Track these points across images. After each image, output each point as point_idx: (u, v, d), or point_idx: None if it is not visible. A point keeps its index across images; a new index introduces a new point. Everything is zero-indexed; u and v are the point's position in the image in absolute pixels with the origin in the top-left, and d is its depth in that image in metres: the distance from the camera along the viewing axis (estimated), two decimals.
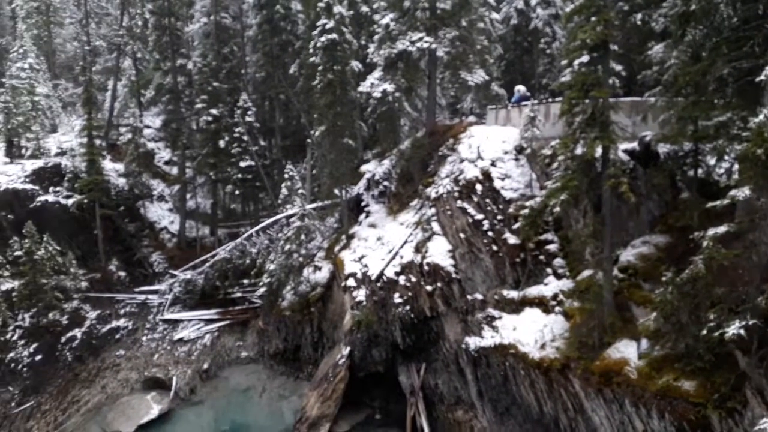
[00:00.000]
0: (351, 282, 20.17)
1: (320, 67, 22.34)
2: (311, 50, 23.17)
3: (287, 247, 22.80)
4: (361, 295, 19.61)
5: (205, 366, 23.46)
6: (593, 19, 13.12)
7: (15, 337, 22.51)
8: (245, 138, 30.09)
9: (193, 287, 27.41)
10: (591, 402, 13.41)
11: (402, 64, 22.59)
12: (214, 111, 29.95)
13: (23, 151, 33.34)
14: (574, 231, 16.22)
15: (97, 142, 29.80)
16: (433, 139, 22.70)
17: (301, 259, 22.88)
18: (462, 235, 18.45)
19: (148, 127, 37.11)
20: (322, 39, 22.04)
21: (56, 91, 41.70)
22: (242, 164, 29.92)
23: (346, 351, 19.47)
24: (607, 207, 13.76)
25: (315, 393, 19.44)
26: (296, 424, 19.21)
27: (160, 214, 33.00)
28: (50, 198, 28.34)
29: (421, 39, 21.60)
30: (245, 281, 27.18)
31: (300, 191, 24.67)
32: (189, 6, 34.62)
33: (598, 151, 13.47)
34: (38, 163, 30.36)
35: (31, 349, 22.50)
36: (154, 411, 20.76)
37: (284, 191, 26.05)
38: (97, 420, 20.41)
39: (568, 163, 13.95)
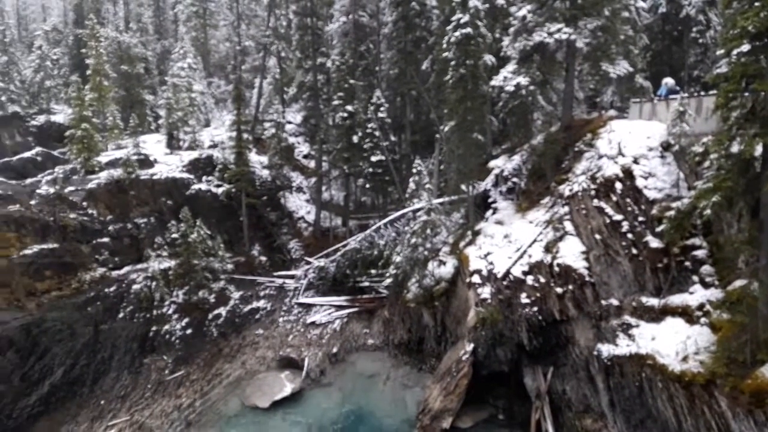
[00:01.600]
0: (476, 279, 20.00)
1: (453, 62, 22.30)
2: (444, 45, 23.19)
3: (413, 240, 23.12)
4: (486, 292, 19.39)
5: (335, 350, 24.53)
6: (757, 4, 11.85)
7: (170, 312, 25.02)
8: (377, 133, 30.90)
9: (326, 274, 28.72)
10: (739, 423, 12.24)
11: (538, 56, 21.89)
12: (349, 107, 31.06)
13: (181, 143, 36.89)
14: (726, 236, 14.83)
15: (245, 135, 32.11)
16: (569, 134, 21.77)
17: (426, 252, 23.09)
18: (597, 236, 17.57)
19: (290, 122, 39.39)
20: (456, 34, 21.98)
21: (210, 88, 45.60)
22: (373, 159, 30.76)
23: (469, 348, 19.39)
24: (766, 211, 12.42)
25: (438, 386, 19.59)
26: (419, 415, 19.49)
27: (298, 205, 34.96)
28: (203, 186, 31.14)
29: (559, 30, 20.77)
30: (373, 271, 27.98)
31: (427, 186, 24.84)
32: (329, 6, 36.15)
33: (758, 150, 12.18)
34: (194, 155, 33.51)
35: (183, 323, 24.83)
36: (287, 389, 22.08)
37: (412, 186, 26.35)
38: (237, 393, 22.13)
39: (722, 162, 12.76)
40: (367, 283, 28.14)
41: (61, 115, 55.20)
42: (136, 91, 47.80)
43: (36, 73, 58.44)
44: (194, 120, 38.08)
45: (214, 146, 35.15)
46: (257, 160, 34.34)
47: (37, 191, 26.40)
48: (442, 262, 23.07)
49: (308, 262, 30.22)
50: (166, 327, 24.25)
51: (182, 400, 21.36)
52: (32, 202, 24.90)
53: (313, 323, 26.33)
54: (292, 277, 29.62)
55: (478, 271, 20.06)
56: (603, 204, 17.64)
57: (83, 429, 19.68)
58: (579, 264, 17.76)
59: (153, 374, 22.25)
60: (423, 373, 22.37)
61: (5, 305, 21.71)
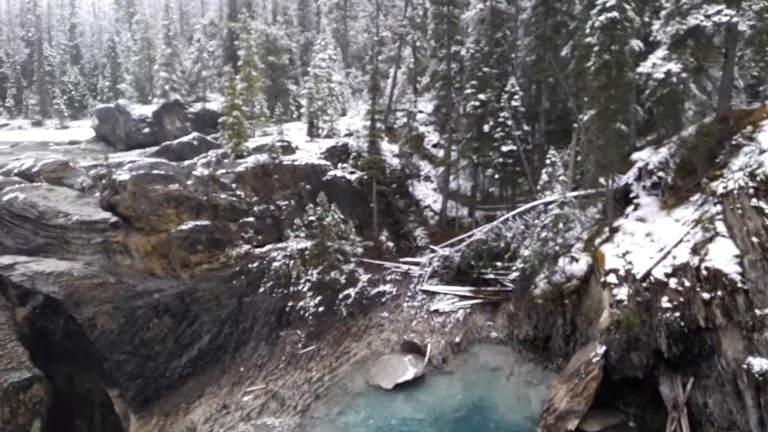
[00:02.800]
0: (611, 278, 19.01)
1: (596, 48, 21.20)
2: (587, 30, 22.10)
3: (543, 234, 22.44)
4: (622, 293, 18.37)
5: (457, 339, 24.60)
6: None
7: (305, 289, 26.52)
8: (509, 122, 30.23)
9: (450, 263, 28.78)
10: None
11: (692, 41, 20.15)
12: (481, 96, 30.66)
13: (320, 131, 38.70)
14: None
15: (378, 125, 32.96)
16: (725, 126, 19.85)
17: (557, 248, 22.31)
18: (754, 239, 15.93)
19: (421, 111, 39.75)
20: (601, 18, 20.84)
21: (348, 78, 47.22)
22: (504, 149, 30.15)
23: (601, 350, 18.53)
24: None
25: (564, 386, 18.98)
26: (543, 414, 19.04)
27: (426, 193, 35.30)
28: (338, 173, 32.51)
29: (719, 12, 18.94)
30: (498, 264, 27.57)
31: (561, 178, 23.95)
32: None
33: None
34: (331, 143, 35.07)
35: (316, 301, 26.21)
36: (410, 373, 22.57)
37: (544, 177, 25.48)
38: (362, 372, 23.02)
39: None
40: (491, 276, 27.79)
41: (215, 103, 60.18)
42: (281, 81, 50.75)
43: (194, 64, 64.10)
44: (332, 109, 39.73)
45: (349, 135, 36.48)
46: (388, 148, 35.11)
47: (193, 173, 29.05)
48: (574, 259, 22.19)
49: (433, 251, 30.47)
50: (301, 303, 25.74)
51: (312, 374, 22.65)
52: (189, 183, 27.44)
53: (436, 311, 26.56)
54: (417, 264, 30.04)
55: (615, 271, 19.06)
56: (763, 204, 15.94)
57: (224, 392, 21.55)
58: (731, 268, 16.23)
59: (287, 347, 23.78)
60: (548, 372, 21.76)
61: (164, 274, 24.27)
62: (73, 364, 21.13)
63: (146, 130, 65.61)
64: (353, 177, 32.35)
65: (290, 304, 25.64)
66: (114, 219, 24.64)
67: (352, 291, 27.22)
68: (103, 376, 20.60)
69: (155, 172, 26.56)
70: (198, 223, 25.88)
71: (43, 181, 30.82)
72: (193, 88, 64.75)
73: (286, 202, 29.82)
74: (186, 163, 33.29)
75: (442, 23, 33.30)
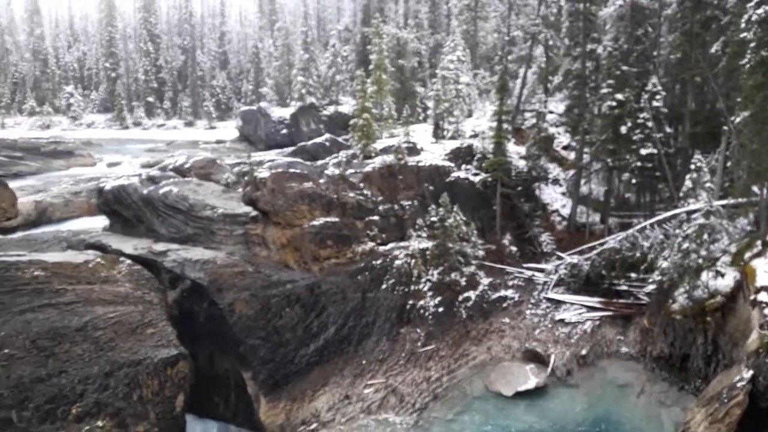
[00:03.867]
0: (763, 296, 17.21)
1: (752, 44, 19.32)
2: (742, 25, 20.18)
3: (685, 245, 20.81)
4: None
5: (584, 352, 23.59)
6: None
7: (425, 289, 26.79)
8: (649, 124, 28.37)
9: (578, 272, 27.62)
10: None
11: None
12: (619, 96, 29.03)
13: (445, 132, 38.85)
14: None
15: (505, 126, 32.42)
16: None
17: (700, 260, 20.58)
18: None
19: (551, 112, 38.50)
20: (759, 11, 18.95)
21: (475, 79, 46.91)
22: (643, 152, 28.32)
23: (747, 374, 16.84)
24: None
25: (702, 411, 17.49)
26: None
27: (553, 197, 34.14)
28: (461, 174, 32.44)
29: None
30: (632, 275, 26.04)
31: (707, 185, 22.07)
32: None
33: None
34: (455, 144, 35.07)
35: (436, 301, 26.37)
36: (531, 382, 22.01)
37: (688, 183, 23.64)
38: (482, 376, 22.83)
39: None
40: (624, 287, 26.30)
41: (347, 105, 62.43)
42: (409, 84, 51.54)
43: (329, 69, 66.97)
44: (458, 111, 39.71)
45: (474, 136, 36.25)
46: (515, 150, 34.41)
47: (325, 172, 30.40)
48: (719, 273, 20.36)
49: (560, 258, 29.40)
50: (421, 302, 26.05)
51: (431, 373, 22.85)
52: (321, 181, 28.78)
53: (561, 321, 25.64)
54: (542, 270, 29.16)
55: (767, 288, 17.25)
56: None
57: (347, 383, 22.40)
58: None
59: (407, 344, 24.19)
60: (684, 394, 20.20)
61: (296, 267, 25.70)
62: (214, 345, 23.03)
63: (284, 131, 69.83)
64: (477, 179, 32.11)
65: (411, 302, 26.03)
66: (254, 213, 26.48)
67: (472, 294, 27.05)
68: (238, 358, 22.26)
69: (292, 170, 28.18)
70: (328, 219, 27.08)
71: (194, 177, 33.83)
72: (327, 92, 67.65)
73: (410, 202, 30.29)
74: (319, 162, 34.92)
75: (577, 20, 32.03)
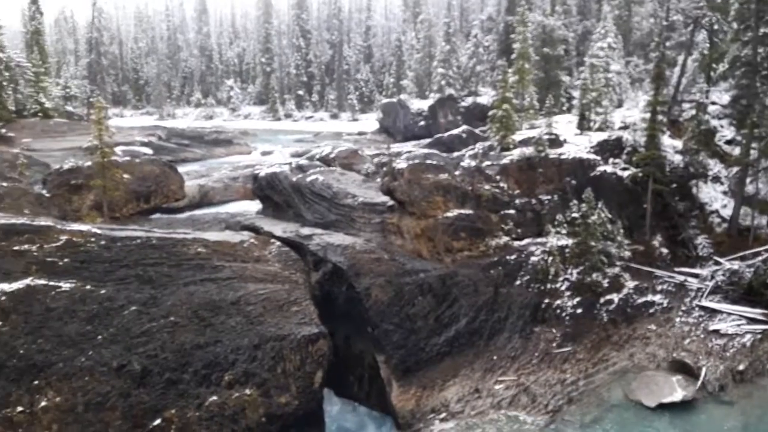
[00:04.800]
0: None
1: None
2: None
3: None
4: None
5: (741, 367, 21.41)
6: None
7: (563, 288, 25.81)
8: None
9: (739, 279, 25.09)
10: None
11: None
12: None
13: (591, 124, 36.95)
14: None
15: (660, 117, 30.11)
16: None
17: None
18: None
19: (714, 103, 35.06)
20: None
21: (627, 67, 44.01)
22: None
23: None
24: None
25: None
26: None
27: (713, 196, 31.14)
28: (608, 169, 30.65)
29: None
30: None
31: None
32: None
33: None
34: (602, 136, 33.20)
35: (574, 302, 25.31)
36: (678, 395, 20.42)
37: None
38: (621, 384, 21.59)
39: None
40: None
41: (486, 97, 61.62)
42: (554, 73, 49.74)
43: (470, 60, 66.51)
44: (607, 101, 37.59)
45: (624, 128, 34.08)
46: (670, 144, 31.81)
47: (461, 164, 30.35)
48: None
49: (717, 263, 26.81)
50: (558, 302, 25.14)
51: (566, 376, 22.04)
52: (456, 173, 28.78)
53: (716, 331, 23.44)
54: (696, 276, 26.81)
55: None
56: None
57: (477, 377, 22.32)
58: None
59: (541, 344, 23.52)
60: None
61: (429, 257, 26.01)
62: (350, 327, 24.07)
63: (422, 122, 70.71)
64: (625, 174, 30.15)
65: (546, 301, 25.22)
66: (391, 203, 27.19)
67: (615, 296, 25.58)
68: (373, 341, 23.06)
69: (428, 162, 28.48)
70: (462, 211, 27.03)
71: (338, 166, 35.51)
72: (466, 83, 67.23)
73: (549, 197, 29.28)
74: (455, 154, 34.95)
75: (749, 2, 28.77)
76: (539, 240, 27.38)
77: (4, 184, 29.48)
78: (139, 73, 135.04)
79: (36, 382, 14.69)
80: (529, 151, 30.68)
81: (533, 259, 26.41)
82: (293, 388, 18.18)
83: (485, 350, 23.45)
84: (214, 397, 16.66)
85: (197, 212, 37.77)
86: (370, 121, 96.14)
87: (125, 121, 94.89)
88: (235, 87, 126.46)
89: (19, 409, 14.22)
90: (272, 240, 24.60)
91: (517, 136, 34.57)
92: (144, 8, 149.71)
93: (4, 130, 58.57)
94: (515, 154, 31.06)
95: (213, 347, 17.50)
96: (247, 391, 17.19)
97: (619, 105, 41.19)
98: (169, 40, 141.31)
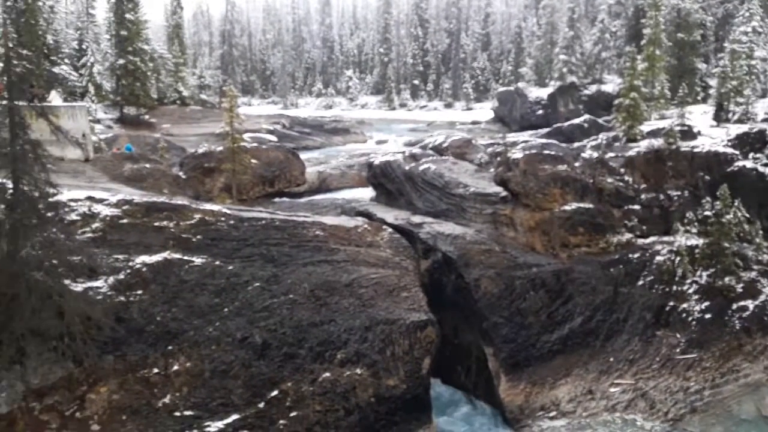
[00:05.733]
0: None
1: None
2: None
3: None
4: None
5: None
6: None
7: (690, 291, 23.95)
8: None
9: None
10: None
11: None
12: None
13: (729, 115, 33.89)
14: None
15: None
16: None
17: None
18: None
19: None
20: None
21: None
22: None
23: None
24: None
25: None
26: None
27: None
28: (748, 164, 27.95)
29: None
30: None
31: None
32: None
33: None
34: (742, 128, 30.33)
35: (702, 306, 23.44)
36: None
37: None
38: (754, 398, 19.82)
39: None
40: None
41: (611, 85, 58.48)
42: (688, 60, 46.18)
43: (594, 46, 63.33)
44: (749, 90, 34.25)
45: None
46: None
47: (582, 155, 29.12)
48: None
49: None
50: (684, 305, 23.43)
51: (690, 384, 20.56)
52: (576, 164, 27.65)
53: None
54: None
55: None
56: None
57: (591, 378, 21.46)
58: None
59: (663, 348, 22.10)
60: None
61: (543, 251, 25.27)
62: (458, 316, 24.04)
63: (539, 112, 68.47)
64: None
65: (671, 303, 23.58)
66: (504, 194, 26.69)
67: (750, 303, 23.34)
68: (481, 333, 22.89)
69: (546, 152, 27.61)
70: (581, 205, 25.92)
71: (450, 155, 35.39)
72: (590, 71, 64.19)
73: (678, 193, 27.28)
74: (575, 145, 33.59)
75: None
76: (666, 239, 25.63)
77: (147, 165, 32.46)
78: (266, 63, 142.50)
79: (170, 348, 16.12)
80: (658, 142, 28.76)
81: (658, 258, 24.77)
82: (401, 371, 18.53)
83: (601, 351, 22.46)
84: (327, 374, 17.39)
85: (316, 197, 39.39)
86: (485, 111, 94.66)
87: (253, 110, 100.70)
88: (353, 77, 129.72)
89: (155, 370, 15.68)
90: (384, 226, 25.10)
91: (645, 127, 32.52)
92: (272, 1, 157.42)
93: (147, 117, 64.48)
94: (642, 145, 29.25)
95: (327, 326, 18.25)
96: (358, 371, 17.76)
97: (763, 95, 37.31)
98: (294, 32, 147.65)
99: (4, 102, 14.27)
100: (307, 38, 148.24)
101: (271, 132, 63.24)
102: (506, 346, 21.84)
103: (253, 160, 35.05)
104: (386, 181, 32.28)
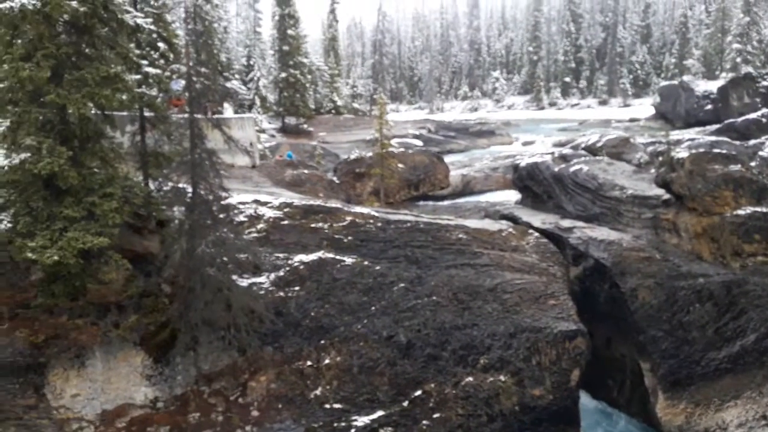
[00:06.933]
0: None
1: None
2: None
3: None
4: None
5: None
6: None
7: None
8: None
9: None
10: None
11: None
12: None
13: None
14: None
15: None
16: None
17: None
18: None
19: None
20: None
21: None
22: None
23: None
24: None
25: None
26: None
27: None
28: None
29: None
30: None
31: None
32: None
33: None
34: None
35: None
36: None
37: None
38: None
39: None
40: None
41: None
42: None
43: None
44: None
45: None
46: None
47: (759, 153, 26.06)
48: None
49: None
50: None
51: None
52: (752, 164, 24.82)
53: None
54: None
55: None
56: None
57: (766, 401, 19.14)
58: None
59: None
60: None
61: (711, 259, 22.97)
62: (612, 328, 22.66)
63: (708, 107, 62.28)
64: None
65: None
66: (666, 196, 24.67)
67: None
68: (637, 346, 21.39)
69: (716, 150, 25.07)
70: (758, 209, 23.14)
71: (605, 156, 33.47)
72: None
73: None
74: (751, 142, 30.09)
75: None
76: None
77: (306, 171, 34.84)
78: (413, 70, 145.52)
79: (322, 342, 17.16)
80: None
81: None
82: (548, 382, 17.94)
83: None
84: (470, 378, 17.37)
85: (459, 200, 39.49)
86: (644, 107, 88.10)
87: (400, 116, 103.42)
88: (500, 78, 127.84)
89: (309, 363, 16.79)
90: (530, 231, 24.45)
91: None
92: (421, 8, 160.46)
93: (306, 125, 68.98)
94: None
95: (470, 330, 18.24)
96: (502, 378, 17.52)
97: None
98: (442, 37, 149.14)
99: (186, 115, 16.19)
100: (455, 42, 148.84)
101: (417, 137, 64.51)
102: (666, 362, 20.19)
103: (400, 165, 36.06)
104: (533, 184, 31.39)
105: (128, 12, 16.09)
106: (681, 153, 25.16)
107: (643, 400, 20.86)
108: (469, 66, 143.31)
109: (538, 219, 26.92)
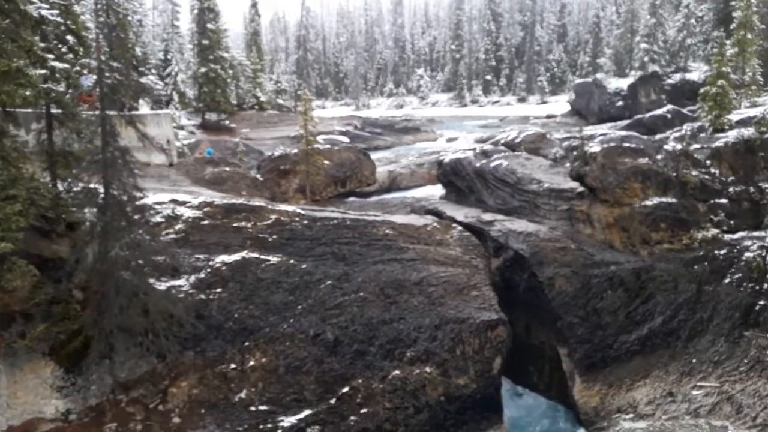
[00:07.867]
0: None
1: None
2: None
3: None
4: None
5: None
6: None
7: None
8: None
9: None
10: None
11: None
12: None
13: None
14: None
15: None
16: None
17: None
18: None
19: None
20: None
21: None
22: None
23: None
24: None
25: None
26: None
27: None
28: None
29: None
30: None
31: None
32: None
33: None
34: None
35: None
36: None
37: None
38: None
39: None
40: None
41: (696, 72, 55.36)
42: None
43: (678, 33, 60.11)
44: None
45: None
46: None
47: (664, 147, 27.78)
48: None
49: None
50: None
51: None
52: (658, 157, 26.44)
53: None
54: None
55: None
56: None
57: (672, 380, 20.47)
58: None
59: (752, 350, 20.68)
60: None
61: (622, 248, 24.32)
62: (531, 316, 23.58)
63: (619, 103, 65.74)
64: None
65: (761, 302, 21.99)
66: (580, 189, 25.88)
67: None
68: (555, 333, 22.36)
69: (626, 144, 26.55)
70: (663, 200, 24.74)
71: (523, 151, 34.70)
72: (673, 59, 61.05)
73: None
74: (657, 137, 32.07)
75: None
76: (756, 234, 23.98)
77: (227, 168, 33.96)
78: (339, 66, 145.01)
79: (246, 344, 16.84)
80: (748, 132, 26.98)
81: (747, 254, 23.21)
82: (471, 371, 18.44)
83: (683, 352, 21.35)
84: (397, 372, 17.58)
85: (386, 196, 39.72)
86: (561, 104, 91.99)
87: (326, 112, 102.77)
88: (424, 75, 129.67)
89: (233, 366, 16.43)
90: (454, 225, 25.00)
91: (734, 116, 30.56)
92: (345, 4, 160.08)
93: (227, 122, 67.21)
94: (731, 135, 27.53)
95: (397, 324, 18.45)
96: (428, 369, 17.83)
97: None
98: (366, 34, 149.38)
99: (97, 112, 15.40)
100: (379, 39, 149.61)
101: (343, 133, 64.37)
102: (581, 347, 21.23)
103: (326, 162, 35.86)
104: (456, 179, 32.11)
105: (32, 3, 15.11)
106: (594, 147, 26.46)
107: (562, 384, 21.83)
108: (394, 63, 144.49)
109: (461, 213, 27.55)
